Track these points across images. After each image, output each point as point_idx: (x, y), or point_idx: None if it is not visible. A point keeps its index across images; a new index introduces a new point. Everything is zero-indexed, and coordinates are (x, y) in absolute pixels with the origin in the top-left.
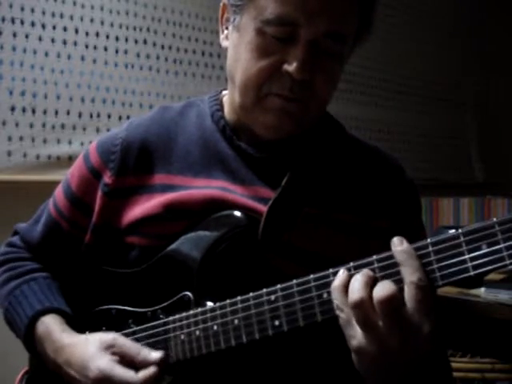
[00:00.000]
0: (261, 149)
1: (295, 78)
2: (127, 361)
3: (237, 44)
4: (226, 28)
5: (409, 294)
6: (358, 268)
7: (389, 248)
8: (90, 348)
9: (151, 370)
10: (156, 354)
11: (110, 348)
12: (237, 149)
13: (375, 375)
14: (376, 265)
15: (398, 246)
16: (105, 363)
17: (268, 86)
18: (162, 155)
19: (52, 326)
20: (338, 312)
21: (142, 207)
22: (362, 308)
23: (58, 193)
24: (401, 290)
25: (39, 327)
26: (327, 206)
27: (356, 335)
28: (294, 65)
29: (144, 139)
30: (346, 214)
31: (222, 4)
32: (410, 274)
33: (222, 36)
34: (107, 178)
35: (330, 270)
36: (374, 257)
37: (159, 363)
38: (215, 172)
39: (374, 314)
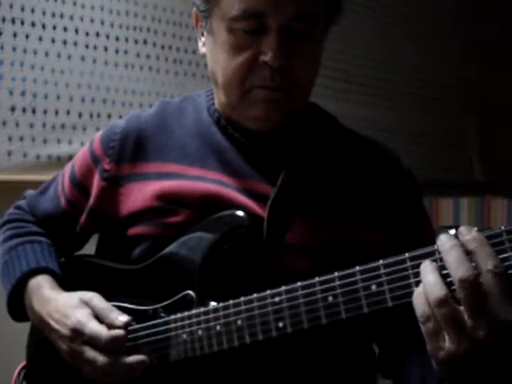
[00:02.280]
0: (255, 141)
1: (273, 66)
2: (99, 319)
3: (213, 47)
4: (202, 34)
5: (487, 281)
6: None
7: (389, 237)
8: (71, 301)
9: (120, 332)
10: (122, 318)
11: (86, 304)
12: (232, 139)
13: (471, 378)
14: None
15: (467, 235)
16: (83, 315)
17: (250, 79)
18: (158, 145)
19: (43, 283)
20: (424, 323)
21: (139, 196)
22: (448, 304)
23: (66, 170)
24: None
25: (31, 282)
26: (326, 199)
27: (444, 345)
28: (270, 54)
29: (142, 130)
30: (346, 205)
31: (193, 13)
32: (485, 262)
33: (200, 43)
34: (106, 165)
35: (336, 274)
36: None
37: (124, 327)
38: (211, 162)
39: (460, 311)
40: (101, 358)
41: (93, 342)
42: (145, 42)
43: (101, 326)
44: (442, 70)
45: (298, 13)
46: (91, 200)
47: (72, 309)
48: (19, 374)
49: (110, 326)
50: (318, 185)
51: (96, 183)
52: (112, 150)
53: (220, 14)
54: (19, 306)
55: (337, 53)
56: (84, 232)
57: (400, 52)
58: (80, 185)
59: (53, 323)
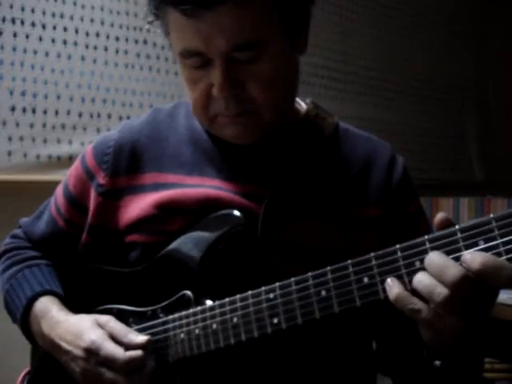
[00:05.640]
0: (249, 147)
1: (221, 98)
2: (116, 341)
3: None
4: None
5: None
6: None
7: (385, 238)
8: (84, 322)
9: (138, 352)
10: (142, 337)
11: (102, 326)
12: (226, 146)
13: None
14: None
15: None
16: (97, 336)
17: (211, 108)
18: (153, 155)
19: (49, 305)
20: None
21: (137, 207)
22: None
23: (59, 191)
24: None
25: (37, 306)
26: (321, 199)
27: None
28: (216, 86)
29: (136, 141)
30: (342, 205)
31: None
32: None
33: None
34: (101, 179)
35: (328, 268)
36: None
37: (144, 346)
38: (208, 170)
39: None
40: (121, 380)
41: (109, 362)
42: (145, 41)
43: (117, 347)
44: (442, 69)
45: (236, 45)
46: (89, 216)
47: (85, 329)
48: (23, 379)
49: (128, 347)
50: (315, 185)
51: (93, 199)
52: (106, 164)
53: (173, 49)
54: (30, 332)
55: (337, 53)
56: (87, 249)
57: (400, 52)
58: (77, 202)
59: (64, 345)
